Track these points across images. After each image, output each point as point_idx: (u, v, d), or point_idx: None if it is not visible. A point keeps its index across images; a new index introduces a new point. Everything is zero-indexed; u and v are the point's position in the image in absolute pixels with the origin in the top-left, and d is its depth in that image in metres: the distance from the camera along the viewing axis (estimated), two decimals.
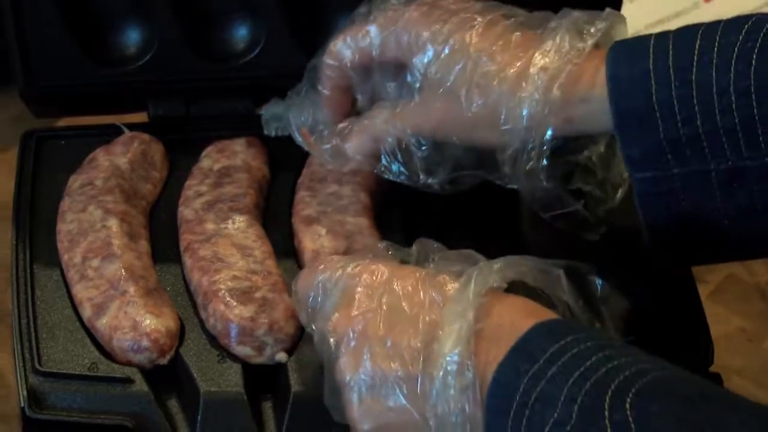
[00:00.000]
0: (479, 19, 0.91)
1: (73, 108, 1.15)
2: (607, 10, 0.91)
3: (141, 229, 1.02)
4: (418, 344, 0.78)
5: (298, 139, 1.02)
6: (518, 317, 0.76)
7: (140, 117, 1.12)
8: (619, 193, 0.97)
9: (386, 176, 0.97)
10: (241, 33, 1.13)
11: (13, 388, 0.93)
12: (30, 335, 0.93)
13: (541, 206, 0.95)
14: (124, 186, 1.03)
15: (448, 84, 0.91)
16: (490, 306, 0.77)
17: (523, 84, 0.88)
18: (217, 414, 0.90)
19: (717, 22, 0.84)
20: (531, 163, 0.90)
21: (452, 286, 0.80)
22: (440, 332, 0.77)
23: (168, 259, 1.00)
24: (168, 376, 0.92)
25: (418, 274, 0.82)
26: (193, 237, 0.99)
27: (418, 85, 0.93)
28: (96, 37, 1.11)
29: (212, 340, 0.94)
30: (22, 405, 0.89)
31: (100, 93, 1.12)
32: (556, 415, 0.69)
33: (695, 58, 0.82)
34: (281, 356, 0.92)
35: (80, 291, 0.95)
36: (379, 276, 0.83)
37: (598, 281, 0.85)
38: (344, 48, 0.97)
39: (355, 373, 0.80)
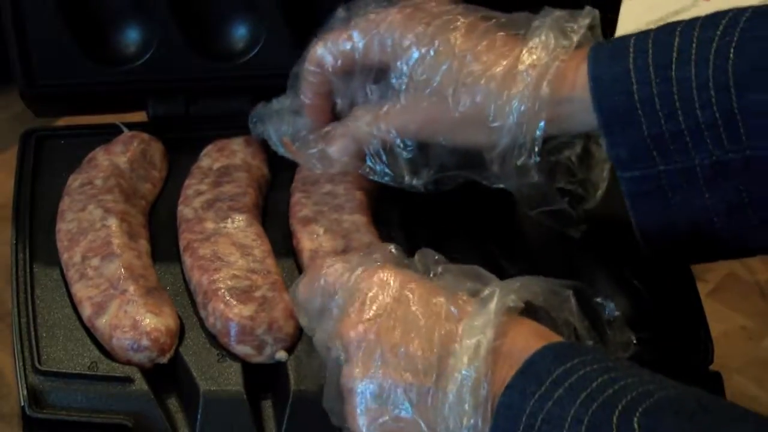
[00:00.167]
0: (462, 20, 0.92)
1: (72, 107, 1.15)
2: (587, 8, 0.92)
3: (141, 229, 1.02)
4: (433, 356, 0.77)
5: (280, 150, 1.03)
6: (531, 339, 0.76)
7: (140, 116, 1.13)
8: (599, 193, 0.97)
9: (371, 177, 0.98)
10: (240, 32, 1.13)
11: (13, 387, 0.93)
12: (30, 334, 0.93)
13: (528, 203, 0.95)
14: (123, 185, 1.03)
15: (434, 84, 0.91)
16: (506, 326, 0.77)
17: (512, 82, 0.88)
18: (216, 413, 0.90)
19: (696, 19, 0.84)
20: (522, 158, 0.90)
21: (468, 300, 0.80)
22: (457, 346, 0.77)
23: (168, 258, 1.00)
24: (168, 375, 0.92)
25: (430, 284, 0.82)
26: (193, 236, 0.99)
27: (403, 87, 0.93)
28: (96, 37, 1.11)
29: (212, 339, 0.94)
30: (23, 404, 0.89)
31: (99, 92, 1.12)
32: None
33: (674, 55, 0.82)
34: (281, 355, 0.92)
35: (80, 290, 0.95)
36: (391, 281, 0.82)
37: (606, 305, 0.85)
38: (325, 53, 0.97)
39: (363, 379, 0.79)
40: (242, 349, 0.92)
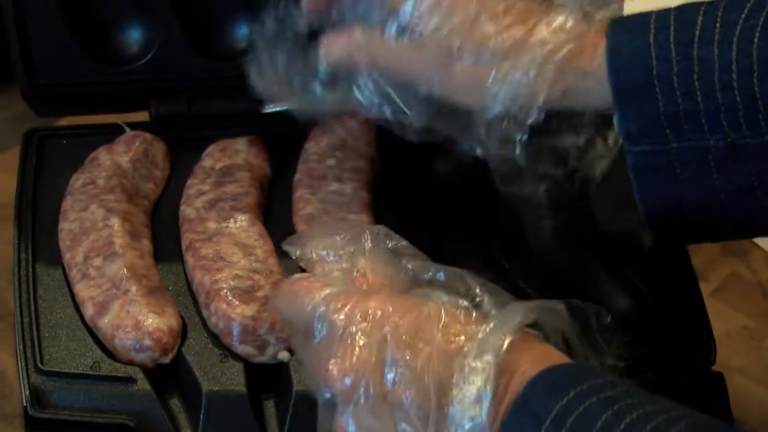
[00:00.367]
0: None
1: (74, 107, 1.15)
2: None
3: (143, 228, 1.02)
4: (430, 405, 0.73)
5: (266, 90, 0.99)
6: (528, 367, 0.72)
7: (142, 116, 1.12)
8: (591, 187, 0.96)
9: (359, 110, 0.94)
10: (242, 32, 1.13)
11: (15, 387, 0.93)
12: (32, 334, 0.93)
13: (502, 179, 0.93)
14: (126, 185, 1.03)
15: (442, 34, 0.88)
16: (506, 361, 0.73)
17: (520, 51, 0.86)
18: (219, 413, 0.90)
19: (719, 1, 0.83)
20: (510, 132, 0.88)
21: (462, 332, 0.76)
22: (456, 395, 0.73)
23: (170, 258, 1.00)
24: (170, 375, 0.92)
25: (416, 315, 0.77)
26: (195, 236, 0.99)
27: (408, 28, 0.90)
28: (98, 36, 1.11)
29: (214, 339, 0.94)
30: (25, 404, 0.89)
31: (101, 92, 1.12)
32: None
33: (697, 33, 0.81)
34: (283, 355, 0.92)
35: (82, 290, 0.95)
36: (371, 317, 0.77)
37: (597, 313, 0.84)
38: None
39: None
40: (245, 349, 0.92)
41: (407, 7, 0.89)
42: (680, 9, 0.83)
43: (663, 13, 0.83)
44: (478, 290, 0.80)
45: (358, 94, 0.93)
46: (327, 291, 0.80)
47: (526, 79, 0.86)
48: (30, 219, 1.03)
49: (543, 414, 0.69)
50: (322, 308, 0.79)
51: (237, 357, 0.92)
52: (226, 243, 0.98)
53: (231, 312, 0.92)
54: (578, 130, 0.93)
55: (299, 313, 0.81)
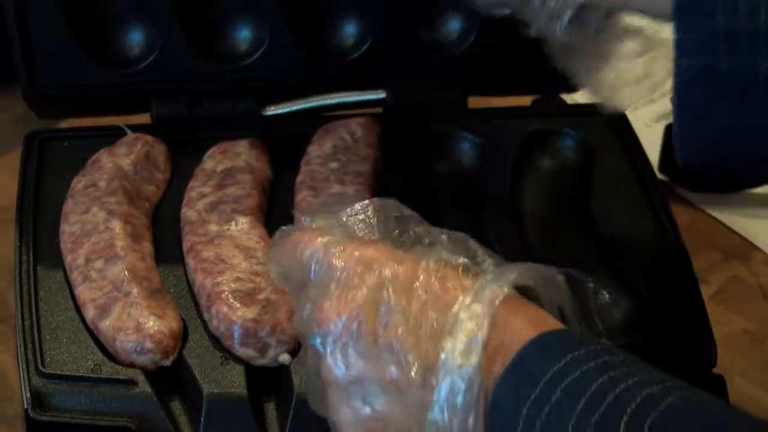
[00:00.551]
0: None
1: (75, 109, 1.15)
2: None
3: (144, 231, 1.02)
4: (420, 350, 0.74)
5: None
6: (524, 328, 0.72)
7: (143, 118, 1.13)
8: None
9: None
10: (244, 34, 1.13)
11: (16, 389, 0.93)
12: (33, 337, 0.93)
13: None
14: (127, 187, 1.03)
15: None
16: (500, 316, 0.73)
17: None
18: (220, 415, 0.90)
19: None
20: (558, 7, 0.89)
21: (459, 285, 0.76)
22: (447, 342, 0.73)
23: (171, 261, 1.00)
24: (171, 377, 0.92)
25: (414, 263, 0.77)
26: (196, 238, 0.99)
27: None
28: (99, 38, 1.11)
29: (215, 341, 0.94)
30: (26, 406, 0.89)
31: (103, 94, 1.12)
32: None
33: None
34: (284, 358, 0.92)
35: (83, 292, 0.95)
36: (371, 261, 0.77)
37: (596, 291, 0.83)
38: None
39: (345, 374, 0.76)
40: (245, 352, 0.92)
41: None
42: None
43: None
44: (479, 252, 0.79)
45: None
46: (327, 239, 0.80)
47: None
48: (31, 221, 1.03)
49: (539, 375, 0.69)
50: (321, 253, 0.79)
51: (238, 360, 0.92)
52: (228, 245, 0.98)
53: (232, 315, 0.92)
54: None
55: (297, 261, 0.80)
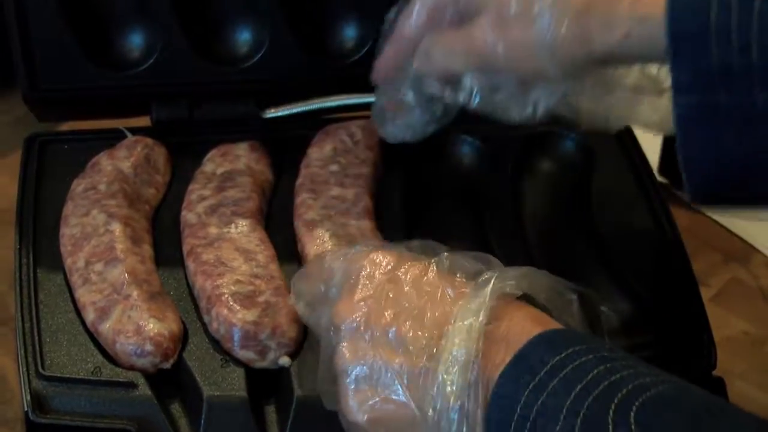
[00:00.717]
0: None
1: (76, 111, 1.15)
2: None
3: (144, 233, 1.02)
4: (424, 337, 0.78)
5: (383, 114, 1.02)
6: (527, 324, 0.76)
7: (143, 121, 1.13)
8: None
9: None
10: (244, 37, 1.13)
11: (16, 392, 0.93)
12: (33, 339, 0.93)
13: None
14: (127, 190, 1.03)
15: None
16: (503, 310, 0.77)
17: None
18: (220, 418, 0.90)
19: None
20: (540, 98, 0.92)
21: (466, 283, 0.80)
22: (449, 327, 0.77)
23: (171, 263, 1.00)
24: (171, 380, 0.92)
25: (426, 264, 0.82)
26: (196, 241, 0.99)
27: None
28: (99, 41, 1.11)
29: (215, 344, 0.94)
30: (26, 409, 0.89)
31: (103, 97, 1.12)
32: (558, 428, 0.69)
33: None
34: (284, 360, 0.92)
35: (83, 295, 0.95)
36: (383, 262, 0.82)
37: (609, 314, 0.85)
38: None
39: (355, 361, 0.80)
40: (245, 355, 0.92)
41: None
42: None
43: None
44: (496, 265, 0.83)
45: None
46: (346, 250, 0.86)
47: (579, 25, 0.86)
48: (31, 224, 1.03)
49: (539, 366, 0.72)
50: (341, 259, 0.84)
51: (238, 362, 0.92)
52: (228, 248, 0.98)
53: (232, 317, 0.92)
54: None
55: (321, 273, 0.86)
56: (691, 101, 0.81)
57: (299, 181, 1.05)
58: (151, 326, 0.91)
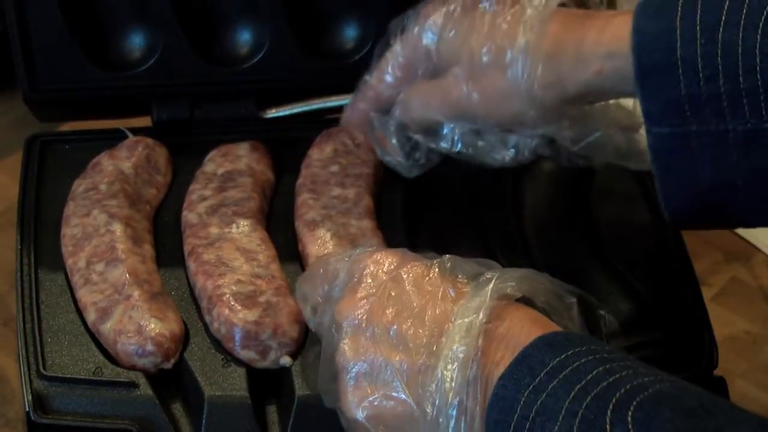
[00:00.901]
0: None
1: (76, 112, 1.15)
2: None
3: (145, 234, 1.02)
4: (425, 335, 0.78)
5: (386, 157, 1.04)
6: (527, 325, 0.76)
7: (144, 121, 1.13)
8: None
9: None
10: (244, 37, 1.13)
11: (17, 392, 0.93)
12: (35, 339, 0.93)
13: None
14: (128, 190, 1.03)
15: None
16: (503, 310, 0.78)
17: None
18: (221, 418, 0.90)
19: None
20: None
21: (467, 283, 0.81)
22: (450, 325, 0.77)
23: (172, 264, 1.00)
24: (172, 380, 0.92)
25: (428, 265, 0.83)
26: (197, 241, 0.99)
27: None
28: (100, 41, 1.11)
29: (216, 344, 0.94)
30: (27, 409, 0.89)
31: (103, 97, 1.12)
32: (556, 428, 0.69)
33: (723, 17, 0.81)
34: (285, 360, 0.92)
35: (85, 295, 0.95)
36: (386, 261, 0.83)
37: (607, 318, 0.85)
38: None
39: (355, 358, 0.80)
40: (247, 354, 0.92)
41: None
42: None
43: None
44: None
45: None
46: (350, 251, 0.87)
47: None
48: (32, 224, 1.03)
49: (540, 367, 0.72)
50: (345, 259, 0.85)
51: (239, 362, 0.92)
52: (228, 248, 0.98)
53: (233, 317, 0.92)
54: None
55: (324, 277, 0.87)
56: (663, 131, 0.83)
57: (300, 181, 1.05)
58: (153, 326, 0.91)
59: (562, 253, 1.04)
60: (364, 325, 0.81)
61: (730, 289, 1.21)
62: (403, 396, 0.78)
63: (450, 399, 0.75)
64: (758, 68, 0.79)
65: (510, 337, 0.76)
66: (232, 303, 0.93)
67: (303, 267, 0.99)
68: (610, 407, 0.68)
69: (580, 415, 0.68)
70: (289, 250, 1.01)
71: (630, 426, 0.66)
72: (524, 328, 0.76)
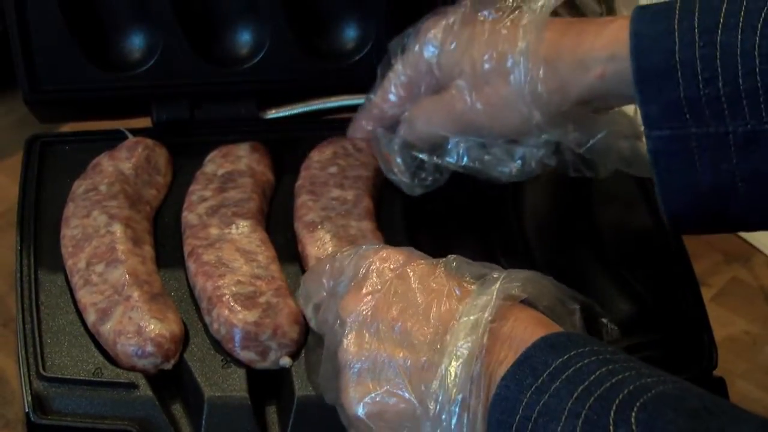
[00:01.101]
0: None
1: (77, 113, 1.15)
2: None
3: (145, 234, 1.02)
4: (429, 332, 0.78)
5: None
6: (531, 325, 0.76)
7: (144, 122, 1.13)
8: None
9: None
10: (244, 37, 1.13)
11: (17, 393, 0.93)
12: (34, 340, 0.93)
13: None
14: (128, 191, 1.03)
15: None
16: (508, 310, 0.78)
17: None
18: (221, 419, 0.90)
19: None
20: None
21: (472, 283, 0.81)
22: (455, 323, 0.77)
23: (172, 264, 1.00)
24: (172, 381, 0.92)
25: (433, 264, 0.83)
26: (197, 242, 0.99)
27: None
28: (100, 42, 1.11)
29: (216, 344, 0.94)
30: (27, 410, 0.89)
31: (104, 98, 1.12)
32: (559, 429, 0.69)
33: (721, 20, 0.81)
34: (285, 361, 0.92)
35: (84, 296, 0.95)
36: (392, 259, 0.83)
37: (609, 325, 0.85)
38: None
39: (358, 354, 0.80)
40: (247, 355, 0.92)
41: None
42: None
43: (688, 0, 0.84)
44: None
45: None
46: (356, 248, 0.86)
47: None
48: (32, 225, 1.03)
49: (542, 368, 0.72)
50: (350, 257, 0.85)
51: (239, 363, 0.92)
52: (228, 249, 0.98)
53: (233, 318, 0.92)
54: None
55: (328, 274, 0.87)
56: (663, 134, 0.83)
57: (299, 182, 1.05)
58: (152, 327, 0.91)
59: (563, 254, 1.04)
60: (368, 321, 0.81)
61: (730, 289, 1.21)
62: (406, 393, 0.78)
63: (453, 395, 0.75)
64: (757, 70, 0.80)
65: (514, 336, 0.76)
66: (232, 304, 0.93)
67: (303, 268, 0.99)
68: (614, 408, 0.68)
69: (583, 415, 0.68)
70: (288, 251, 1.01)
71: (633, 427, 0.66)
72: (528, 329, 0.76)
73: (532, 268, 0.95)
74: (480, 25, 0.95)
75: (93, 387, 0.91)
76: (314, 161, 1.06)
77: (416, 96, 1.00)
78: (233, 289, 0.94)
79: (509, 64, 0.92)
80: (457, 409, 0.75)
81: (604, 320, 0.85)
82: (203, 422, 0.90)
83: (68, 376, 0.91)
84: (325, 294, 0.88)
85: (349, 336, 0.81)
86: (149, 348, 0.91)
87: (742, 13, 0.81)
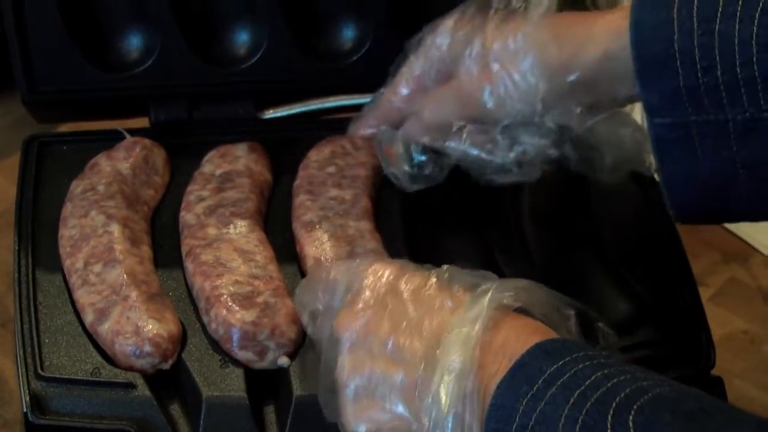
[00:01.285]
0: None
1: (74, 113, 1.15)
2: None
3: (143, 235, 1.02)
4: (422, 347, 0.78)
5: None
6: (524, 334, 0.76)
7: (142, 122, 1.13)
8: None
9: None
10: (242, 38, 1.13)
11: (15, 393, 0.93)
12: (32, 340, 0.93)
13: None
14: (126, 191, 1.03)
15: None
16: (500, 320, 0.77)
17: None
18: (219, 419, 0.90)
19: None
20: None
21: (465, 294, 0.80)
22: (447, 336, 0.77)
23: (170, 264, 1.00)
24: (170, 381, 0.92)
25: (426, 276, 0.82)
26: (195, 242, 0.99)
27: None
28: (98, 42, 1.11)
29: (214, 344, 0.94)
30: (25, 410, 0.89)
31: (101, 98, 1.12)
32: None
33: (720, 9, 0.82)
34: (283, 361, 0.92)
35: (82, 296, 0.95)
36: (384, 274, 0.83)
37: (605, 330, 0.85)
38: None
39: (353, 372, 0.80)
40: (244, 355, 0.92)
41: None
42: None
43: None
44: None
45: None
46: (349, 262, 0.87)
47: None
48: (30, 225, 1.03)
49: (537, 375, 0.72)
50: (343, 272, 0.85)
51: (237, 363, 0.92)
52: (226, 249, 0.98)
53: (231, 318, 0.92)
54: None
55: (322, 288, 0.87)
56: (664, 122, 0.84)
57: (297, 182, 1.05)
58: (150, 327, 0.91)
59: (561, 254, 1.04)
60: (362, 338, 0.81)
61: (728, 289, 1.21)
62: (401, 410, 0.78)
63: (447, 411, 0.75)
64: (755, 59, 0.80)
65: (507, 346, 0.76)
66: (230, 303, 0.93)
67: (301, 268, 0.99)
68: (611, 412, 0.68)
69: (580, 421, 0.68)
70: (286, 251, 1.01)
71: (631, 431, 0.66)
72: (521, 337, 0.76)
73: (530, 268, 0.96)
74: (491, 13, 0.95)
75: (91, 387, 0.91)
76: (312, 161, 1.06)
77: (426, 90, 1.00)
78: (231, 289, 0.94)
79: (518, 39, 0.92)
80: (449, 425, 0.75)
81: (601, 325, 0.85)
82: (201, 422, 0.89)
83: (66, 376, 0.91)
84: (320, 306, 0.88)
85: (344, 355, 0.81)
86: (147, 348, 0.91)
87: (740, 2, 0.81)
